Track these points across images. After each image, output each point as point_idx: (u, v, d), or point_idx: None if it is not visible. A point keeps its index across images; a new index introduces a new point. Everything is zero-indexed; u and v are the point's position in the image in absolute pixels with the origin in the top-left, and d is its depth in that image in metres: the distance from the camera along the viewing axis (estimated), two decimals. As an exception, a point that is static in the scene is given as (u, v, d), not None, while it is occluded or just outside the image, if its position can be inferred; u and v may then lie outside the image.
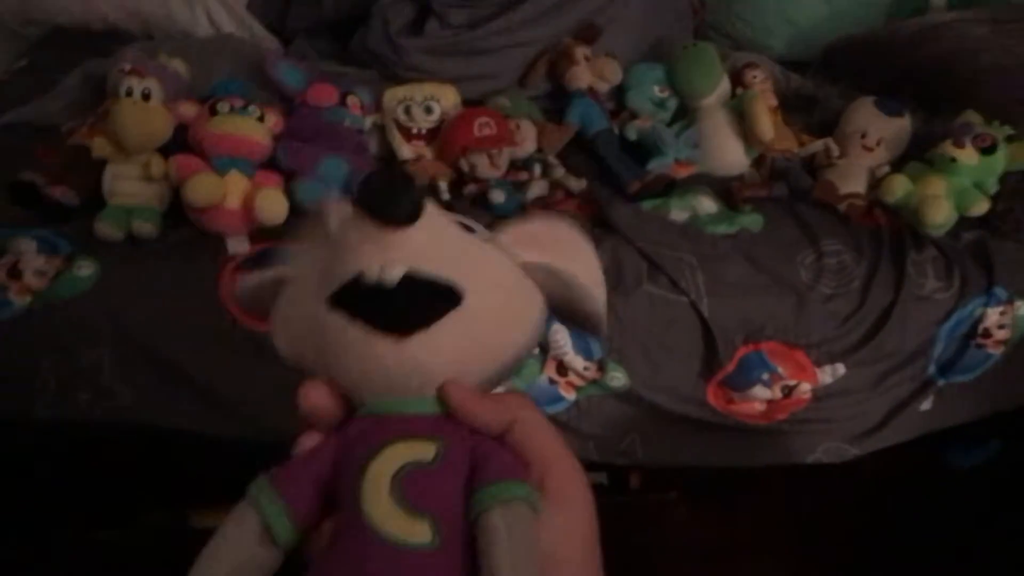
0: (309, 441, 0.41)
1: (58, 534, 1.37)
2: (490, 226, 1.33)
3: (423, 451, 0.38)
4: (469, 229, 0.45)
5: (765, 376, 1.32)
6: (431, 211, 0.39)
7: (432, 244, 0.39)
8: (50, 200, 1.23)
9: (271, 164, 1.30)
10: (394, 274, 0.38)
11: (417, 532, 0.36)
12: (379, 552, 0.35)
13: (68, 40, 1.75)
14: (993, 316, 1.37)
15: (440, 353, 0.39)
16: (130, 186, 1.23)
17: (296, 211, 1.25)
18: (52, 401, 1.17)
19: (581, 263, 0.47)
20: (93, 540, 1.36)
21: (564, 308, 0.46)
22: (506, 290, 0.42)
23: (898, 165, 1.53)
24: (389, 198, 0.37)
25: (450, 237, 0.41)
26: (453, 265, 0.39)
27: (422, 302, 0.39)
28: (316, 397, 0.41)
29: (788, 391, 1.34)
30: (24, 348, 1.15)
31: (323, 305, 0.40)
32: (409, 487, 0.37)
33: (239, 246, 1.23)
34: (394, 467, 0.37)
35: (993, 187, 1.44)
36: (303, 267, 0.43)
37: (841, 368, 1.35)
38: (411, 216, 0.38)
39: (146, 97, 1.25)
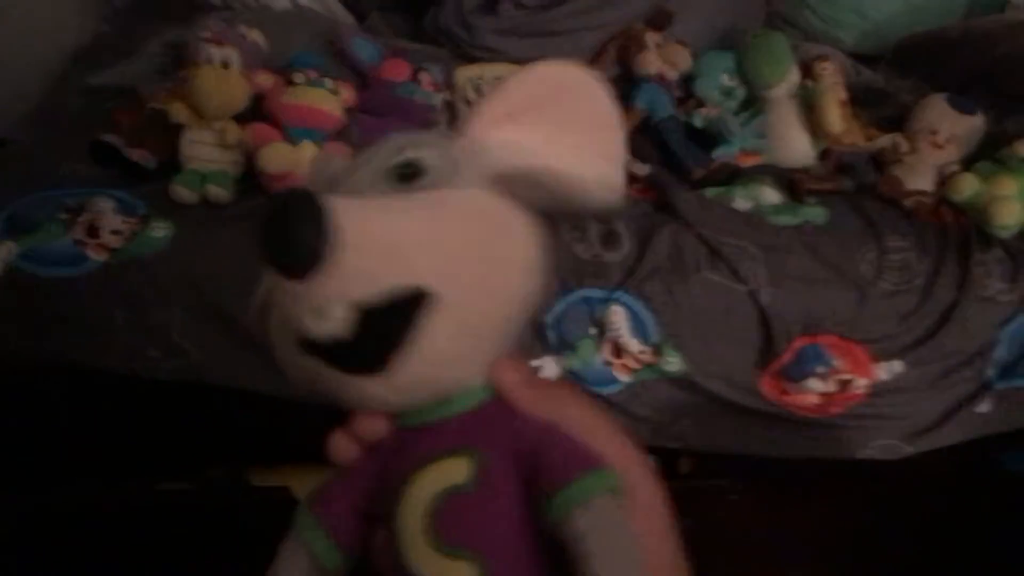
0: (338, 442, 0.40)
1: (127, 482, 1.42)
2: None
3: (456, 472, 0.36)
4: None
5: (821, 369, 1.32)
6: (345, 219, 0.33)
7: (362, 259, 0.34)
8: (128, 161, 1.27)
9: (343, 137, 1.33)
10: (336, 323, 0.34)
11: (458, 573, 0.34)
12: None
13: (150, 7, 1.79)
14: (1058, 321, 1.35)
15: (432, 361, 0.36)
16: (206, 151, 1.26)
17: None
18: (124, 355, 1.21)
19: (575, 124, 0.42)
20: (159, 491, 1.40)
21: (559, 206, 0.41)
22: (476, 253, 0.37)
23: (967, 164, 1.51)
24: (287, 244, 0.32)
25: (382, 232, 0.34)
26: (399, 264, 0.34)
27: (383, 328, 0.34)
28: (343, 449, 0.40)
29: (843, 385, 1.34)
30: (99, 303, 1.19)
31: (295, 350, 0.37)
32: (444, 523, 0.35)
33: (308, 214, 1.26)
34: (427, 499, 0.35)
35: (1065, 190, 1.42)
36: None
37: (899, 365, 1.34)
38: (317, 254, 0.32)
39: (225, 65, 1.27)
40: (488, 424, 0.37)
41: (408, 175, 0.38)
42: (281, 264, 0.33)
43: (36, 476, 1.39)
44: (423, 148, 0.39)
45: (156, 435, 1.41)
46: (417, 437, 0.37)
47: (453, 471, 0.36)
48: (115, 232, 1.20)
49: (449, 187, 0.38)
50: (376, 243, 0.34)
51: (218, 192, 1.24)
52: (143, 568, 1.33)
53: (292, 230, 0.32)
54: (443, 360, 0.36)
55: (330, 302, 0.33)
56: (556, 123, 0.41)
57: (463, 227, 0.37)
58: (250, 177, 1.28)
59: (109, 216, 1.21)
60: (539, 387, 0.39)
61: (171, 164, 1.28)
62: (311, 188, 0.34)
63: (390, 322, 0.34)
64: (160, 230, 1.22)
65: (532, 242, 0.39)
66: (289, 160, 1.22)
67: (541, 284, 0.39)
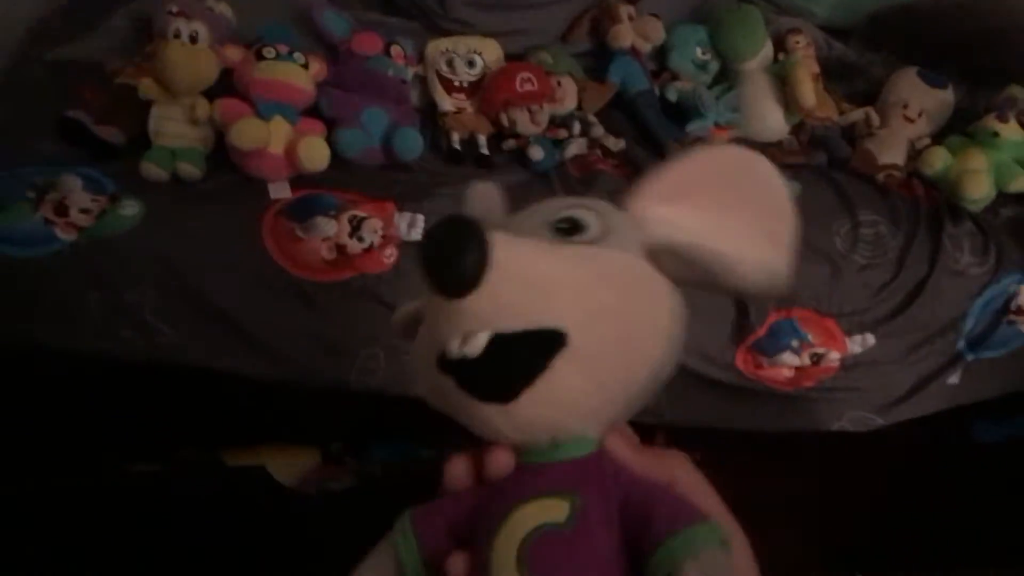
0: (455, 469, 0.41)
1: (96, 465, 1.40)
2: (528, 185, 1.34)
3: (556, 511, 0.36)
4: (572, 228, 0.40)
5: (795, 343, 1.33)
6: (503, 251, 0.35)
7: (513, 292, 0.35)
8: (96, 138, 1.25)
9: (313, 111, 1.31)
10: (475, 347, 0.35)
11: None
12: None
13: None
14: (1027, 293, 1.37)
15: (555, 404, 0.37)
16: (175, 127, 1.24)
17: (337, 159, 1.27)
18: (95, 335, 1.19)
19: (745, 207, 0.42)
20: (129, 472, 1.39)
21: (713, 286, 0.41)
22: (617, 309, 0.37)
23: (939, 137, 1.53)
24: (448, 263, 0.34)
25: (534, 271, 0.36)
26: (544, 304, 0.36)
27: (517, 361, 0.36)
28: (456, 474, 0.40)
29: (817, 359, 1.35)
30: (69, 283, 1.16)
31: (434, 365, 0.38)
32: (536, 558, 0.35)
33: (281, 191, 1.24)
34: (523, 533, 0.36)
35: (1034, 164, 1.44)
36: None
37: (871, 338, 1.36)
38: (475, 277, 0.34)
39: (193, 40, 1.25)
40: (595, 472, 0.38)
41: (567, 230, 0.39)
42: (439, 280, 0.34)
43: (3, 462, 1.37)
44: (586, 209, 0.40)
45: (123, 417, 1.40)
46: (524, 475, 0.38)
47: (553, 510, 0.36)
48: (84, 211, 1.18)
49: (604, 246, 0.39)
50: (527, 279, 0.36)
51: (189, 169, 1.22)
52: (118, 551, 1.32)
53: (456, 250, 0.34)
54: (566, 405, 0.37)
55: (475, 326, 0.35)
56: (724, 205, 0.42)
57: (610, 282, 0.37)
58: (221, 153, 1.26)
59: (78, 194, 1.19)
60: (646, 452, 0.40)
61: (140, 141, 1.26)
62: (475, 216, 0.36)
63: (523, 354, 0.36)
64: (130, 208, 1.19)
65: (674, 313, 0.39)
66: (261, 136, 1.20)
67: (674, 355, 0.40)
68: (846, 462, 1.50)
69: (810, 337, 1.33)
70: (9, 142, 1.27)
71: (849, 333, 1.35)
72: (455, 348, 0.35)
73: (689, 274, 0.40)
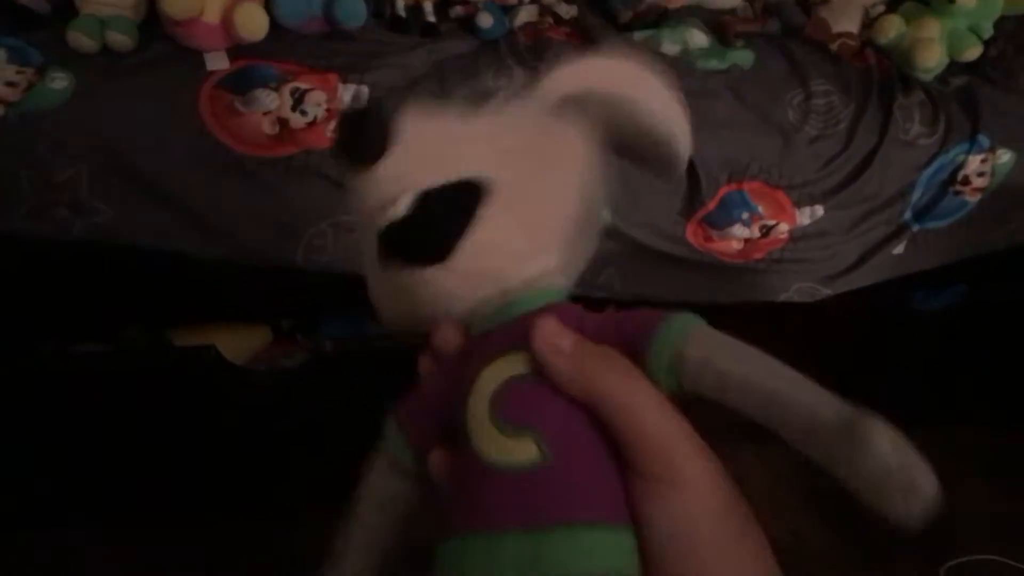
0: (426, 363, 0.41)
1: (39, 348, 1.38)
2: (475, 54, 1.30)
3: (518, 363, 0.36)
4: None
5: (745, 215, 1.34)
6: (410, 120, 0.38)
7: (423, 149, 0.38)
8: (17, 5, 1.18)
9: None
10: (400, 207, 0.37)
11: (521, 451, 0.34)
12: (491, 482, 0.34)
13: None
14: (974, 164, 1.38)
15: (492, 249, 0.38)
16: (103, -6, 1.17)
17: (276, 28, 1.21)
18: (31, 214, 1.15)
19: (649, 96, 0.41)
20: (74, 354, 1.37)
21: (632, 146, 0.42)
22: (527, 148, 0.39)
23: (893, 4, 1.50)
24: (354, 138, 0.37)
25: (441, 129, 0.39)
26: (456, 155, 0.38)
27: (445, 214, 0.37)
28: (443, 337, 0.40)
29: (766, 231, 1.36)
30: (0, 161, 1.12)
31: (377, 263, 0.40)
32: (506, 406, 0.35)
33: (218, 62, 1.19)
34: (491, 388, 0.36)
35: (988, 32, 1.42)
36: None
37: (820, 210, 1.36)
38: (381, 144, 0.37)
39: None
40: (561, 319, 0.37)
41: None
42: (349, 153, 0.37)
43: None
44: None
45: (64, 297, 1.37)
46: (486, 341, 0.38)
47: (516, 363, 0.36)
48: (10, 84, 1.12)
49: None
50: (436, 137, 0.38)
51: (120, 39, 1.16)
52: (64, 434, 1.32)
53: (360, 126, 0.37)
54: (503, 251, 0.38)
55: (396, 189, 0.37)
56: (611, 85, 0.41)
57: (517, 128, 0.40)
58: (152, 22, 1.19)
59: (2, 66, 1.13)
60: (578, 358, 0.36)
61: (64, 8, 1.19)
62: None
63: (448, 208, 0.37)
64: (59, 81, 1.14)
65: (588, 148, 0.41)
66: (194, 4, 1.14)
67: (595, 205, 0.41)
68: (791, 332, 1.53)
69: (760, 209, 1.34)
70: (-76, 9, 1.20)
71: (798, 205, 1.36)
72: (383, 217, 0.37)
73: (612, 126, 0.41)
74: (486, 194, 0.37)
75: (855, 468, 0.29)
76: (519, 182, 0.38)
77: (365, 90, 1.20)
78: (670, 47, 1.38)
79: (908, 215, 1.41)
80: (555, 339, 0.35)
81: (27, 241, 1.18)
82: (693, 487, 0.33)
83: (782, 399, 0.32)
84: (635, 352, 0.35)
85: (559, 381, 0.35)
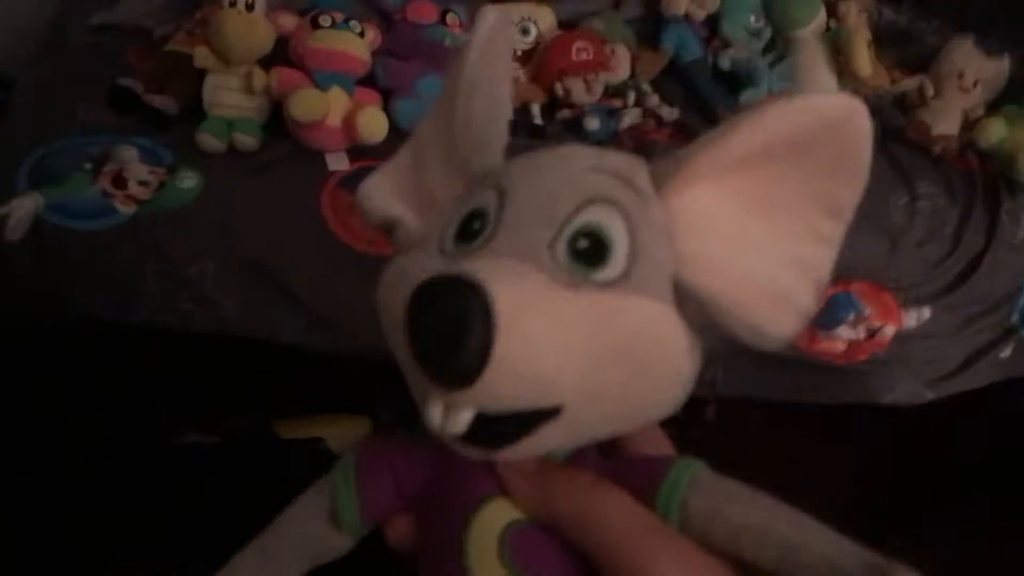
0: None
1: (147, 434, 1.40)
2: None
3: (513, 509, 0.36)
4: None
5: (852, 316, 1.33)
6: (507, 337, 0.29)
7: (511, 385, 0.30)
8: (149, 108, 1.23)
9: (368, 81, 1.29)
10: (458, 426, 0.31)
11: None
12: None
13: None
14: (1082, 269, 1.36)
15: (533, 450, 0.34)
16: (231, 97, 1.22)
17: (394, 130, 1.25)
18: (155, 308, 1.18)
19: (800, 190, 0.35)
20: (181, 442, 1.39)
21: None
22: (624, 385, 0.33)
23: (993, 107, 1.51)
24: (444, 356, 0.29)
25: (540, 364, 0.30)
26: (544, 391, 0.31)
27: (503, 433, 0.33)
28: (398, 534, 0.38)
29: (872, 332, 1.34)
30: (129, 256, 1.15)
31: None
32: (515, 547, 0.35)
33: (339, 163, 1.23)
34: (500, 525, 0.35)
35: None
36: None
37: (927, 312, 1.35)
38: (473, 375, 0.29)
39: (249, 7, 1.22)
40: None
41: (587, 253, 0.33)
42: (431, 372, 0.30)
43: (49, 431, 1.37)
44: (612, 214, 0.34)
45: (173, 387, 1.39)
46: (493, 470, 0.37)
47: (512, 508, 0.36)
48: (142, 183, 1.16)
49: (628, 289, 0.33)
50: (532, 371, 0.30)
51: (246, 140, 1.20)
52: (168, 525, 1.32)
53: (455, 340, 0.29)
54: (542, 451, 0.35)
55: (461, 403, 0.31)
56: (774, 195, 0.35)
57: (624, 357, 0.32)
58: (275, 123, 1.24)
59: (135, 166, 1.17)
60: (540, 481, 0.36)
61: (193, 110, 1.24)
62: (478, 279, 0.30)
63: (509, 429, 0.33)
64: (188, 180, 1.18)
65: (686, 379, 0.35)
66: (319, 107, 1.18)
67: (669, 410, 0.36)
68: (893, 433, 1.51)
69: (867, 311, 1.33)
70: (57, 110, 1.26)
71: (905, 306, 1.34)
72: (434, 420, 0.32)
73: (697, 314, 0.34)
74: (555, 417, 0.32)
75: None
76: (594, 418, 0.34)
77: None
78: (772, 149, 1.39)
79: (1015, 318, 1.39)
80: (520, 463, 0.36)
81: (147, 333, 1.21)
82: None
83: (800, 549, 0.31)
84: (639, 502, 0.34)
85: (521, 501, 0.35)
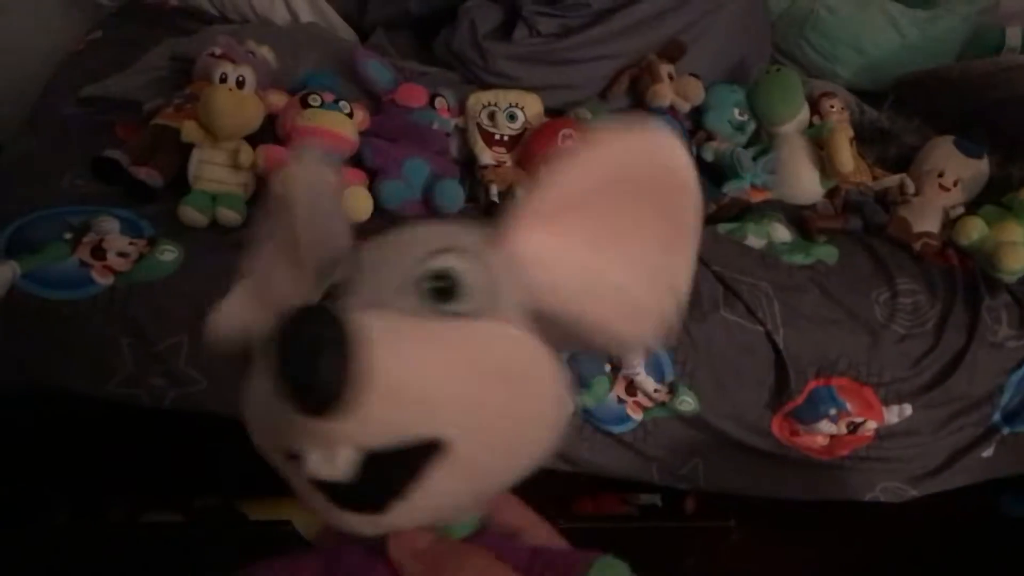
0: (328, 538, 0.38)
1: (110, 513, 1.37)
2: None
3: None
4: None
5: (832, 411, 1.32)
6: (377, 359, 0.29)
7: (387, 409, 0.30)
8: (133, 179, 1.22)
9: (355, 160, 1.29)
10: (339, 470, 0.30)
11: None
12: None
13: (144, 14, 1.74)
14: (1064, 367, 1.36)
15: (428, 509, 0.33)
16: (217, 172, 1.22)
17: (378, 209, 1.25)
18: (126, 382, 1.16)
19: (638, 227, 0.37)
20: (146, 522, 1.35)
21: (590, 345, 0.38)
22: (503, 409, 0.33)
23: (972, 206, 1.52)
24: (309, 379, 0.28)
25: (413, 383, 0.30)
26: (423, 418, 0.31)
27: (391, 476, 0.31)
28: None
29: (854, 428, 1.34)
30: (104, 328, 1.14)
31: (278, 449, 0.33)
32: None
33: (322, 241, 1.22)
34: None
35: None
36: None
37: (908, 409, 1.34)
38: (341, 398, 0.28)
39: (240, 84, 1.23)
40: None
41: (441, 291, 0.34)
42: (297, 398, 0.29)
43: (15, 506, 1.33)
44: (460, 258, 0.35)
45: (145, 463, 1.36)
46: (381, 561, 0.35)
47: None
48: (122, 254, 1.15)
49: (486, 318, 0.34)
50: (406, 393, 0.30)
51: (230, 215, 1.20)
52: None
53: (318, 363, 0.28)
54: (440, 508, 0.34)
55: (338, 442, 0.30)
56: (617, 215, 0.37)
57: (497, 380, 0.32)
58: (259, 199, 1.24)
59: (115, 237, 1.16)
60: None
61: (177, 183, 1.23)
62: (335, 305, 0.31)
63: (397, 471, 0.31)
64: (168, 253, 1.17)
65: (561, 399, 0.35)
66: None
67: (556, 440, 0.36)
68: (874, 532, 1.48)
69: (848, 406, 1.32)
70: (41, 180, 1.25)
71: (886, 403, 1.34)
72: (315, 467, 0.30)
73: (567, 337, 0.37)
74: (441, 455, 0.31)
75: None
76: (482, 450, 0.32)
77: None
78: (755, 240, 1.40)
79: (997, 417, 1.39)
80: (412, 541, 0.34)
81: (116, 406, 1.18)
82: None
83: None
84: None
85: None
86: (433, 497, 0.32)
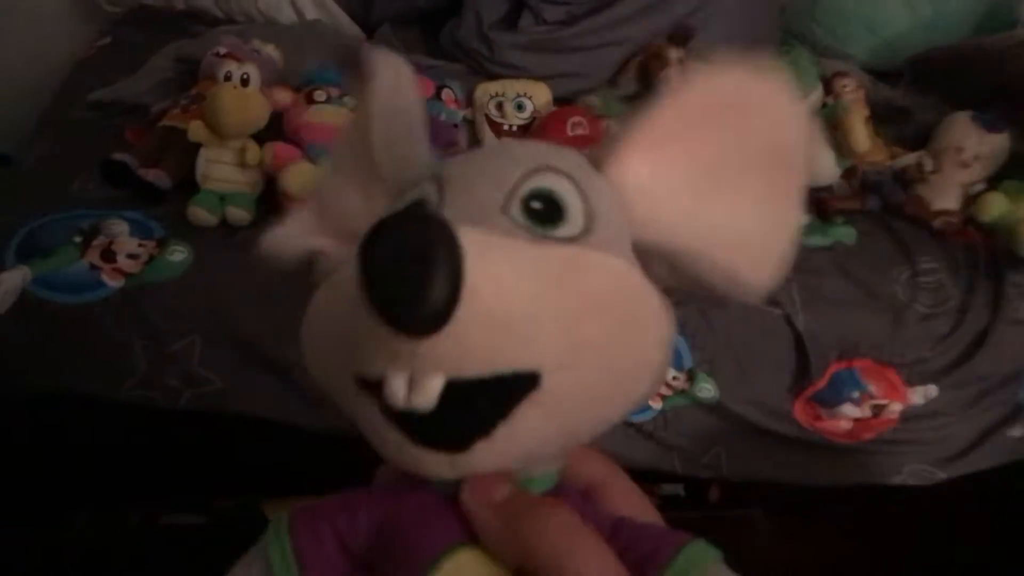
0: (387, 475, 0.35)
1: (130, 515, 1.36)
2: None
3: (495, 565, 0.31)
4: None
5: (855, 394, 1.30)
6: (478, 276, 0.26)
7: (484, 333, 0.27)
8: (142, 181, 1.22)
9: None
10: (427, 399, 0.27)
11: None
12: None
13: (151, 19, 1.74)
14: (1092, 343, 1.33)
15: (512, 452, 0.30)
16: (224, 171, 1.21)
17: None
18: (141, 384, 1.15)
19: (745, 159, 0.35)
20: (166, 523, 1.35)
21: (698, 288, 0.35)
22: (603, 345, 0.30)
23: (993, 182, 1.50)
24: (408, 296, 0.25)
25: (513, 306, 0.27)
26: (519, 345, 0.28)
27: (476, 412, 0.29)
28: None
29: (877, 411, 1.31)
30: (116, 330, 1.13)
31: (350, 374, 0.30)
32: None
33: (332, 237, 1.22)
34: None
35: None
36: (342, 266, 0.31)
37: (933, 389, 1.32)
38: (442, 318, 0.25)
39: (245, 82, 1.23)
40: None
41: (542, 213, 0.31)
42: (393, 317, 0.25)
43: (35, 509, 1.33)
44: (560, 178, 0.32)
45: (163, 464, 1.36)
46: (449, 508, 0.32)
47: (479, 559, 0.31)
48: (131, 256, 1.15)
49: (589, 246, 0.31)
50: (508, 317, 0.27)
51: (239, 213, 1.19)
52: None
53: (421, 279, 0.24)
54: (525, 452, 0.31)
55: (427, 368, 0.27)
56: (722, 150, 0.35)
57: (599, 311, 0.30)
58: (268, 197, 1.23)
59: (124, 239, 1.16)
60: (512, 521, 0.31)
61: (186, 184, 1.23)
62: (439, 212, 0.29)
63: (485, 404, 0.29)
64: (178, 254, 1.17)
65: (664, 341, 0.32)
66: (313, 181, 1.17)
67: (657, 386, 0.34)
68: (902, 514, 1.46)
69: (871, 388, 1.29)
70: (51, 185, 1.26)
71: (910, 384, 1.31)
72: (399, 394, 0.28)
73: (676, 278, 0.35)
74: (533, 391, 0.29)
75: None
76: (575, 388, 0.30)
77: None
78: (773, 223, 1.38)
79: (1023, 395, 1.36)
80: (489, 491, 0.31)
81: (133, 408, 1.18)
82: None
83: None
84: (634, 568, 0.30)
85: (488, 540, 0.30)
86: (519, 438, 0.29)
